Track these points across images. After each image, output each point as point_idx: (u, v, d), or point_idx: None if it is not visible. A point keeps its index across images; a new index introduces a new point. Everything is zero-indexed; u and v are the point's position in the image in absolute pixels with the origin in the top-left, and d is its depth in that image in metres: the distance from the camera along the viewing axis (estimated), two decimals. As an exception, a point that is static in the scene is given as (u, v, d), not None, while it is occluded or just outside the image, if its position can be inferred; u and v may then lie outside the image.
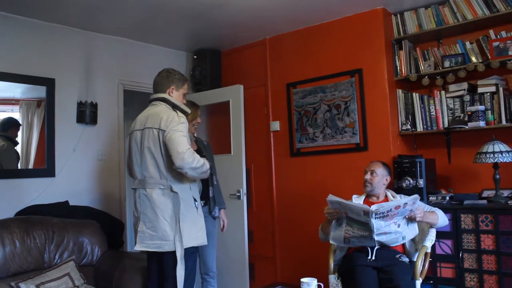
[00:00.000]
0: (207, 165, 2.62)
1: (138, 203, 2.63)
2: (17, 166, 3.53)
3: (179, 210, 2.55)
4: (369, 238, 2.62)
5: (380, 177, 2.96)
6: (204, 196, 3.24)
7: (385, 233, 2.61)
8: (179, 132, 2.51)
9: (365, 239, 2.65)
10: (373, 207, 2.53)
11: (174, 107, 2.68)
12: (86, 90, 3.89)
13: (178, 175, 2.58)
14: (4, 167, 3.44)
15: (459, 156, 3.60)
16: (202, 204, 3.20)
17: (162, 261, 2.62)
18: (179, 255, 2.52)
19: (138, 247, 2.59)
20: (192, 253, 2.66)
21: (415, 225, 2.72)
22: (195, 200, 2.69)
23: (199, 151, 3.27)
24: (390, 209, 2.53)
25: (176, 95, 2.75)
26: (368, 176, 2.99)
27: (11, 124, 3.53)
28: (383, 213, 2.53)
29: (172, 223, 2.54)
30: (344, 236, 2.74)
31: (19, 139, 3.55)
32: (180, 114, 2.62)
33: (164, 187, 2.57)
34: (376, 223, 2.55)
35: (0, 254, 2.87)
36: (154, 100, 2.72)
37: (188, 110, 2.76)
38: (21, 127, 3.55)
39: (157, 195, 2.57)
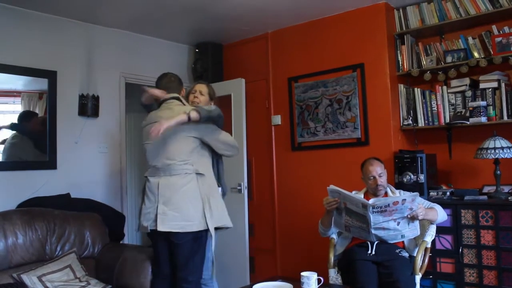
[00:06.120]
0: None
1: (158, 189, 2.64)
2: (33, 158, 3.56)
3: (207, 191, 2.65)
4: (367, 230, 2.63)
5: (386, 175, 2.94)
6: None
7: (384, 229, 2.61)
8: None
9: (363, 231, 2.66)
10: (371, 201, 2.54)
11: None
12: (88, 83, 3.89)
13: (202, 158, 2.70)
14: (23, 159, 3.51)
15: (460, 151, 3.60)
16: None
17: (178, 249, 2.64)
18: (212, 231, 2.61)
19: (161, 228, 2.59)
20: (211, 237, 2.68)
21: (417, 225, 2.68)
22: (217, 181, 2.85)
23: None
24: (388, 205, 2.53)
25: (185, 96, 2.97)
26: (380, 181, 2.87)
27: (22, 118, 3.56)
28: (380, 207, 2.53)
29: (198, 204, 2.61)
30: (345, 224, 2.75)
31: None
32: None
33: (189, 172, 2.64)
34: (373, 217, 2.56)
35: (2, 245, 2.88)
36: (168, 100, 2.80)
37: None
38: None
39: (181, 180, 2.62)
